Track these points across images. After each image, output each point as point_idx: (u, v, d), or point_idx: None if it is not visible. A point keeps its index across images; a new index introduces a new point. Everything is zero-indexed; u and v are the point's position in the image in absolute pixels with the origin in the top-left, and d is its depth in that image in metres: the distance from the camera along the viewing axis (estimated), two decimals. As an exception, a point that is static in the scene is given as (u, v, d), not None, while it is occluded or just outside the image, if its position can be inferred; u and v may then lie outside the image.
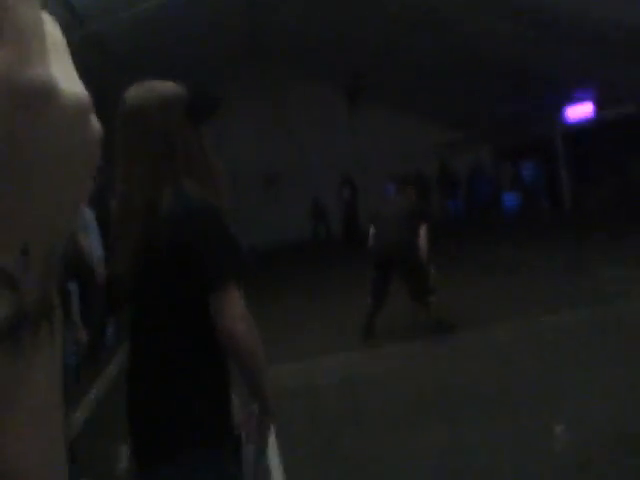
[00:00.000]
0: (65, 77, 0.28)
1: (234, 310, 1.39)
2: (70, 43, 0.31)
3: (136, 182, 1.47)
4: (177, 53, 11.33)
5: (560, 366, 4.28)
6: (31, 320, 0.27)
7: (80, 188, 0.31)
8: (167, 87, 1.56)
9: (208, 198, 1.48)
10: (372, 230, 5.91)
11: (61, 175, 0.28)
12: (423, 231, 5.64)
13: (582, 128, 15.24)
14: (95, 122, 0.30)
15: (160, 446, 1.46)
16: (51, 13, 0.30)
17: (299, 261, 13.56)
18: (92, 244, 4.52)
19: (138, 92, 1.54)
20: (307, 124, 17.80)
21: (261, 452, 1.64)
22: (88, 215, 5.51)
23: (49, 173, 0.27)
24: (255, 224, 16.67)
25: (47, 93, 0.26)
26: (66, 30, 0.31)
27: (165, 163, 1.49)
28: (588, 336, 4.88)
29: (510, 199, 18.44)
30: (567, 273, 7.58)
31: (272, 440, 3.57)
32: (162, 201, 1.43)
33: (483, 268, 9.05)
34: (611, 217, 12.67)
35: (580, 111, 14.46)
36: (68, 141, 0.28)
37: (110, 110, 1.39)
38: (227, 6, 11.80)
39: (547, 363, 4.40)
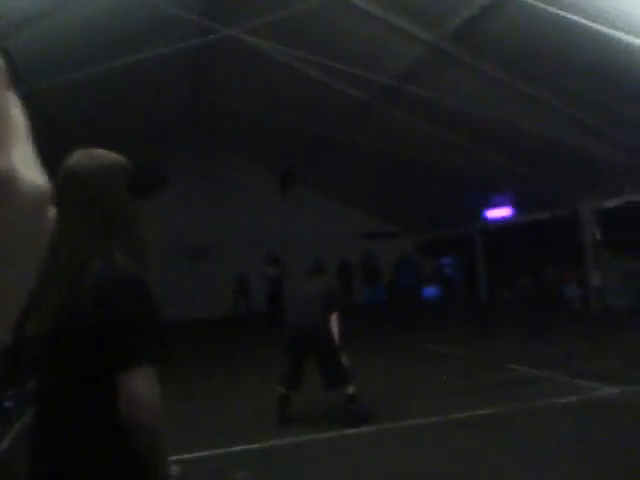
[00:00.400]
0: (25, 165, 0.26)
1: (140, 393, 1.32)
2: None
3: (67, 246, 1.41)
4: (117, 120, 11.36)
5: (471, 462, 4.34)
6: None
7: (30, 277, 0.29)
8: (112, 157, 1.55)
9: (137, 271, 1.45)
10: (288, 311, 5.93)
11: (15, 267, 0.26)
12: (334, 318, 5.62)
13: (500, 228, 16.19)
14: (52, 212, 0.29)
15: None
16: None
17: (220, 337, 13.35)
18: None
19: (82, 158, 1.52)
20: (240, 202, 18.07)
21: None
22: None
23: (2, 269, 0.26)
24: (180, 297, 16.41)
25: (8, 184, 0.25)
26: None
27: (100, 231, 1.46)
28: (498, 430, 5.01)
29: (430, 290, 19.09)
30: (482, 367, 7.82)
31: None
32: (91, 269, 1.39)
33: (396, 355, 9.21)
34: (523, 313, 13.34)
35: (499, 213, 15.39)
36: (25, 232, 0.26)
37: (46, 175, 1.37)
38: (172, 80, 12.05)
39: (456, 458, 4.45)
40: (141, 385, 1.32)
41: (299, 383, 5.66)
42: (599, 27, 6.86)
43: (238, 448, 4.91)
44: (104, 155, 1.55)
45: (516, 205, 14.70)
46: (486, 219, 15.94)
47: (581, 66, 8.21)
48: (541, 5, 6.76)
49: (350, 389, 5.50)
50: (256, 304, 16.21)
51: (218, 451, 4.88)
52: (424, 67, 9.68)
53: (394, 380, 7.49)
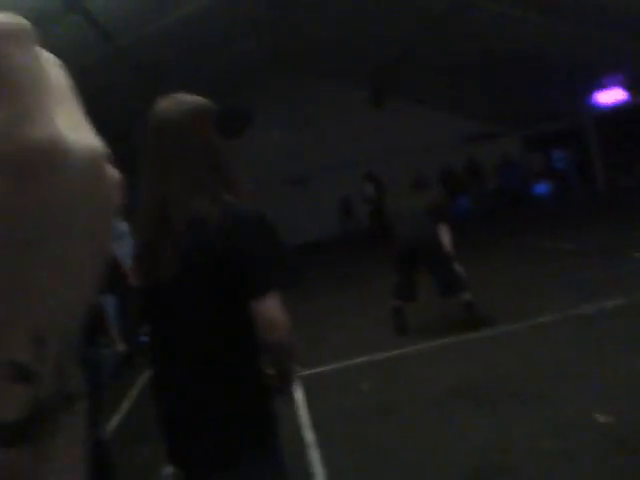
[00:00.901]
0: (73, 128, 0.24)
1: (276, 316, 1.42)
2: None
3: (175, 193, 1.47)
4: (199, 64, 11.53)
5: (601, 354, 4.22)
6: (47, 415, 0.24)
7: (100, 250, 0.26)
8: (199, 100, 1.56)
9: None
10: (396, 226, 5.82)
11: (77, 244, 0.25)
12: (444, 229, 5.53)
13: (613, 113, 14.93)
14: (111, 171, 0.27)
15: (220, 453, 1.47)
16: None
17: (332, 259, 13.66)
18: (126, 255, 4.62)
19: (170, 105, 1.54)
20: (335, 124, 17.94)
21: None
22: (122, 226, 5.66)
23: (62, 246, 0.24)
24: (288, 222, 16.93)
25: (53, 153, 0.23)
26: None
27: (204, 174, 1.50)
28: (625, 324, 4.80)
29: (541, 187, 18.21)
30: (603, 259, 7.45)
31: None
32: (209, 211, 1.44)
33: (514, 257, 8.98)
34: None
35: (610, 96, 14.14)
36: (82, 202, 0.24)
37: (137, 122, 1.44)
38: (245, 14, 11.93)
39: (587, 351, 4.34)
40: (276, 309, 1.42)
41: (414, 295, 5.70)
42: None
43: (359, 360, 5.09)
44: (191, 99, 1.56)
45: (629, 87, 13.40)
46: (596, 105, 14.71)
47: None
48: None
49: (467, 295, 5.49)
50: (362, 224, 16.31)
51: (344, 363, 5.09)
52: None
53: (511, 281, 7.34)
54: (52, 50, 0.27)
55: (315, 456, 3.40)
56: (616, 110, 14.62)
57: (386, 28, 12.75)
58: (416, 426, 3.61)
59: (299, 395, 4.45)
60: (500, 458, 3.03)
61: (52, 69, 0.26)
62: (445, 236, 5.52)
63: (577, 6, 10.26)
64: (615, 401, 3.39)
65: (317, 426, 3.81)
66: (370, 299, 7.60)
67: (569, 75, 13.31)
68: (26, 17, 0.25)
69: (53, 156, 0.23)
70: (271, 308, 1.41)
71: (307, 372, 4.93)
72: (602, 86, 13.79)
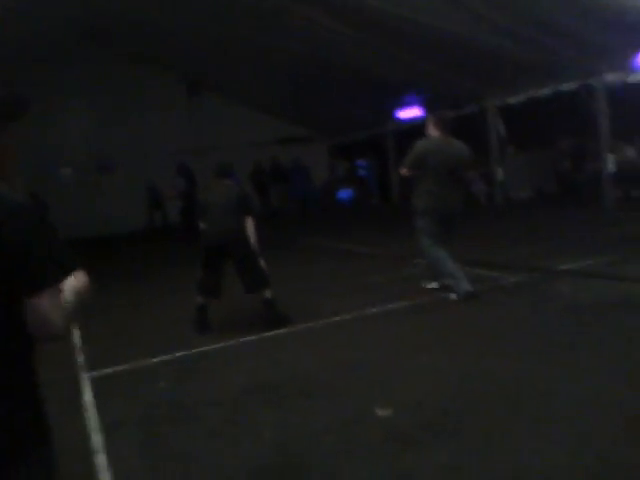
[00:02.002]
0: None
1: (48, 314, 1.36)
2: None
3: None
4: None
5: (386, 352, 4.58)
6: None
7: None
8: None
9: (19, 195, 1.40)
10: (202, 223, 5.73)
11: None
12: (250, 222, 5.59)
13: (410, 128, 16.34)
14: None
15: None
16: None
17: (135, 252, 13.16)
18: None
19: None
20: (147, 112, 17.26)
21: None
22: None
23: None
24: (92, 212, 16.05)
25: None
26: None
27: None
28: (409, 323, 5.30)
29: (344, 193, 19.36)
30: (390, 263, 8.14)
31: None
32: None
33: (311, 257, 9.44)
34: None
35: (410, 113, 15.48)
36: None
37: None
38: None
39: (373, 349, 4.69)
40: (51, 307, 1.36)
41: (218, 291, 5.65)
42: None
43: (157, 359, 4.95)
44: None
45: (425, 104, 14.80)
46: (397, 119, 16.04)
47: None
48: None
49: (268, 293, 5.59)
50: (171, 216, 15.90)
51: (139, 363, 4.90)
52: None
53: (311, 281, 7.70)
54: None
55: (102, 462, 3.22)
56: (413, 125, 16.04)
57: (206, 20, 12.56)
58: (208, 425, 3.60)
59: (87, 397, 4.20)
60: (285, 455, 3.14)
61: None
62: (251, 230, 5.57)
63: (387, 30, 11.07)
64: (396, 395, 3.70)
65: (106, 430, 3.62)
66: (173, 295, 7.45)
67: (375, 90, 14.31)
68: None
69: None
70: (46, 305, 1.35)
71: (97, 373, 4.68)
72: (403, 103, 15.04)
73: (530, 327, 4.85)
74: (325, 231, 12.80)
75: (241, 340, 5.27)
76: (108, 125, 17.06)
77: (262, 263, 5.64)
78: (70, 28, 14.32)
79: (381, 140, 18.25)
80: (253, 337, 5.30)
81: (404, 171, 6.10)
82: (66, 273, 1.42)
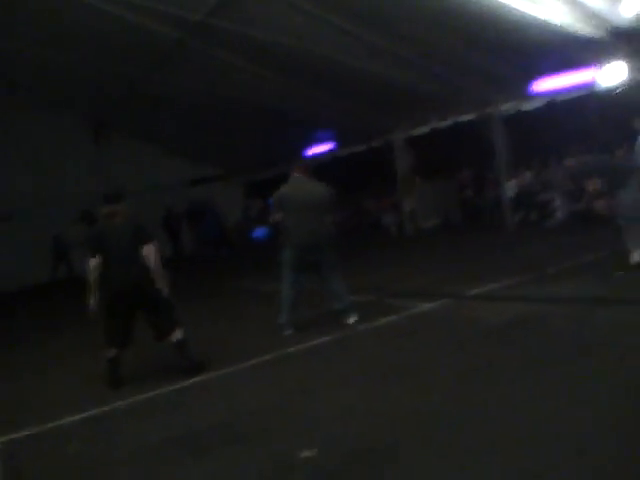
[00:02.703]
0: None
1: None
2: None
3: None
4: None
5: (306, 390, 4.56)
6: None
7: None
8: None
9: None
10: (93, 263, 5.25)
11: None
12: (151, 251, 5.23)
13: (321, 163, 16.65)
14: None
15: None
16: None
17: (37, 308, 12.50)
18: None
19: None
20: (50, 157, 16.59)
21: None
22: None
23: None
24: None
25: None
26: None
27: None
28: (326, 360, 5.31)
29: (260, 231, 19.33)
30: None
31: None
32: None
33: (223, 299, 9.33)
34: (344, 244, 14.01)
35: (321, 148, 15.79)
36: None
37: None
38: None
39: (291, 389, 4.65)
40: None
41: (129, 339, 5.34)
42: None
43: (68, 420, 4.68)
44: None
45: (336, 139, 15.16)
46: (307, 156, 16.29)
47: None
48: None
49: (179, 334, 5.35)
50: (77, 267, 15.26)
51: (48, 425, 4.61)
52: (234, 0, 9.35)
53: (225, 323, 7.59)
54: None
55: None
56: (324, 160, 16.38)
57: (109, 61, 12.33)
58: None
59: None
60: None
61: None
62: (153, 258, 5.22)
63: (294, 67, 11.31)
64: (319, 435, 3.67)
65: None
66: (80, 350, 7.07)
67: (288, 127, 14.51)
68: None
69: None
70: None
71: (4, 438, 4.37)
72: (316, 139, 15.33)
73: (447, 354, 4.97)
74: (240, 272, 12.69)
75: (156, 392, 5.05)
76: (9, 172, 16.21)
77: (170, 302, 5.36)
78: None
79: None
80: (169, 388, 5.11)
81: (274, 218, 6.48)
82: None
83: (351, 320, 6.34)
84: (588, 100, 10.65)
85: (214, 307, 9.05)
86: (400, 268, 9.95)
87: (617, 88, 9.50)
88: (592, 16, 8.01)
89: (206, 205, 18.29)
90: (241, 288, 10.33)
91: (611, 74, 8.91)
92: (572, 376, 3.92)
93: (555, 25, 8.01)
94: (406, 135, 14.24)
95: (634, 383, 3.65)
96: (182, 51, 11.52)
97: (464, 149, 15.41)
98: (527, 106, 11.43)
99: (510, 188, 12.65)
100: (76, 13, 10.25)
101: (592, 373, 3.93)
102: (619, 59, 8.75)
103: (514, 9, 7.68)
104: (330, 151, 15.78)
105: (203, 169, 19.11)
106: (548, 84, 10.17)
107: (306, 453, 3.42)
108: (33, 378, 6.28)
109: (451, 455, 3.15)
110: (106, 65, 12.54)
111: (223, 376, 5.27)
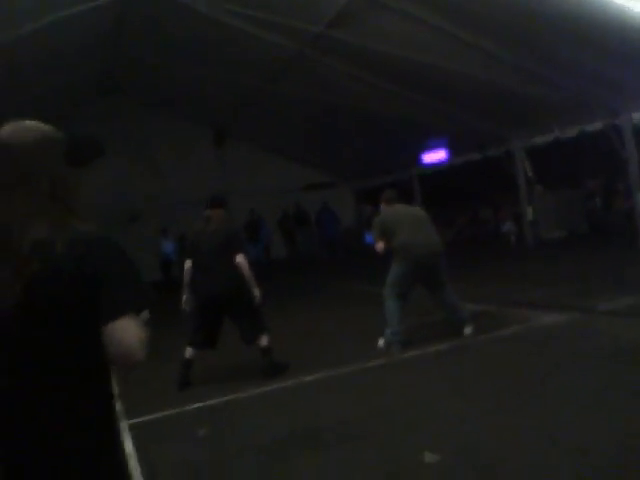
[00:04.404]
0: None
1: (133, 340, 1.39)
2: None
3: (15, 222, 1.41)
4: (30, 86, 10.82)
5: (426, 397, 4.49)
6: None
7: None
8: (45, 129, 1.53)
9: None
10: (188, 265, 5.42)
11: None
12: (242, 261, 5.29)
13: (436, 171, 16.44)
14: None
15: None
16: None
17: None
18: None
19: (14, 132, 1.49)
20: (174, 161, 17.57)
21: None
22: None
23: None
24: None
25: None
26: None
27: (45, 203, 1.47)
28: (449, 366, 5.19)
29: (370, 237, 19.37)
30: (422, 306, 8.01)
31: None
32: (53, 236, 1.40)
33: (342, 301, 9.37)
34: (463, 252, 13.71)
35: (434, 156, 15.56)
36: None
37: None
38: (90, 39, 11.42)
39: (412, 395, 4.60)
40: (133, 333, 1.39)
41: (213, 343, 5.42)
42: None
43: (194, 406, 4.92)
44: (37, 127, 1.52)
45: (451, 147, 14.89)
46: (422, 163, 16.11)
47: (509, 5, 8.20)
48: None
49: (264, 341, 5.42)
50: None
51: (175, 410, 4.87)
52: (353, 13, 9.48)
53: (327, 325, 7.65)
54: None
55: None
56: (439, 169, 16.14)
57: (230, 71, 12.91)
58: (249, 474, 3.53)
59: (128, 445, 4.16)
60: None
61: None
62: (246, 269, 5.29)
63: (409, 76, 11.28)
64: (441, 441, 3.60)
65: (149, 477, 3.58)
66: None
67: (401, 134, 14.46)
68: None
69: None
70: (128, 332, 1.38)
71: (136, 420, 4.65)
72: (429, 146, 15.14)
73: (569, 373, 4.71)
74: (355, 274, 12.73)
75: (239, 395, 5.10)
76: (139, 176, 17.31)
77: (260, 310, 5.45)
78: (89, 81, 14.71)
79: (407, 184, 18.33)
80: (252, 392, 5.15)
81: (379, 248, 6.14)
82: (144, 305, 1.47)
83: (467, 331, 6.13)
84: None
85: (331, 308, 9.11)
86: (520, 278, 9.57)
87: None
88: None
89: (324, 207, 18.71)
90: (361, 291, 10.32)
91: None
92: None
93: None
94: (526, 144, 13.69)
95: None
96: (300, 62, 11.85)
97: (590, 159, 14.60)
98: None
99: (641, 201, 11.80)
100: (202, 28, 10.84)
101: None
102: None
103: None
104: (444, 161, 15.48)
105: (316, 175, 19.49)
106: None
107: (429, 458, 3.37)
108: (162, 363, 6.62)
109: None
110: (229, 76, 13.11)
111: (338, 376, 5.31)
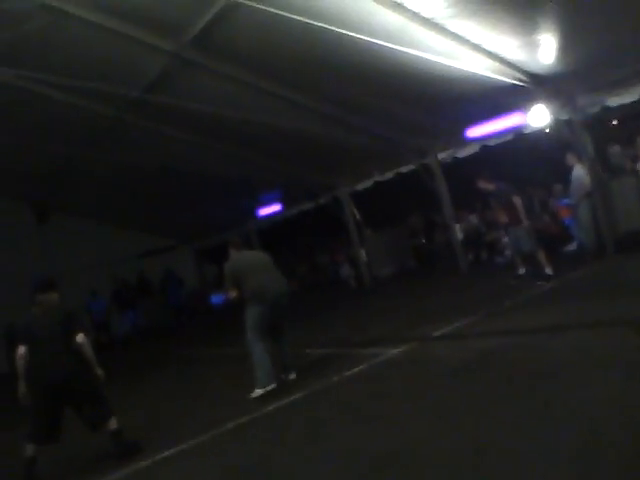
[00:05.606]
0: None
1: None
2: None
3: None
4: None
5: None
6: None
7: None
8: None
9: None
10: (21, 351, 5.01)
11: None
12: (82, 341, 5.06)
13: (272, 223, 16.90)
14: None
15: None
16: None
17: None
18: None
19: None
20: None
21: None
22: None
23: None
24: None
25: None
26: None
27: None
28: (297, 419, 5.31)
29: (217, 298, 19.20)
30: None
31: None
32: None
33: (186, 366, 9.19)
34: (304, 300, 14.14)
35: (270, 209, 16.01)
36: None
37: None
38: None
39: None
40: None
41: (56, 436, 5.08)
42: (322, 24, 7.25)
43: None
44: None
45: (284, 200, 15.44)
46: (258, 217, 16.50)
47: (319, 62, 8.76)
48: (271, 10, 7.02)
49: (113, 423, 5.18)
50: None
51: None
52: (171, 76, 9.60)
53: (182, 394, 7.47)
54: None
55: None
56: (274, 220, 16.62)
57: (47, 141, 12.24)
58: None
59: None
60: None
61: None
62: (87, 348, 5.08)
63: (238, 132, 11.59)
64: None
65: None
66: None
67: (236, 191, 14.72)
68: None
69: None
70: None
71: None
72: (263, 200, 15.58)
73: (417, 395, 5.05)
74: (203, 339, 12.55)
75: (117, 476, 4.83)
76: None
77: (103, 392, 5.24)
78: None
79: (246, 238, 18.57)
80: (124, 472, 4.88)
81: (229, 295, 6.40)
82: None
83: (292, 376, 6.55)
84: (520, 142, 11.31)
85: (187, 375, 8.88)
86: (363, 318, 10.08)
87: (544, 129, 10.16)
88: (512, 65, 8.63)
89: (167, 273, 18.38)
90: (210, 354, 10.19)
91: (536, 116, 9.51)
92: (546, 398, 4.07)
93: (481, 76, 8.55)
94: (351, 190, 14.62)
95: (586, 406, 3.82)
96: (120, 127, 11.66)
97: (409, 198, 15.89)
98: (463, 152, 12.03)
99: (458, 231, 13.10)
100: (5, 95, 10.21)
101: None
102: (541, 102, 9.37)
103: (439, 64, 8.16)
104: (278, 212, 16.02)
105: (157, 240, 19.05)
106: (481, 130, 10.74)
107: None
108: None
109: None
110: (40, 145, 12.39)
111: (198, 444, 5.20)
